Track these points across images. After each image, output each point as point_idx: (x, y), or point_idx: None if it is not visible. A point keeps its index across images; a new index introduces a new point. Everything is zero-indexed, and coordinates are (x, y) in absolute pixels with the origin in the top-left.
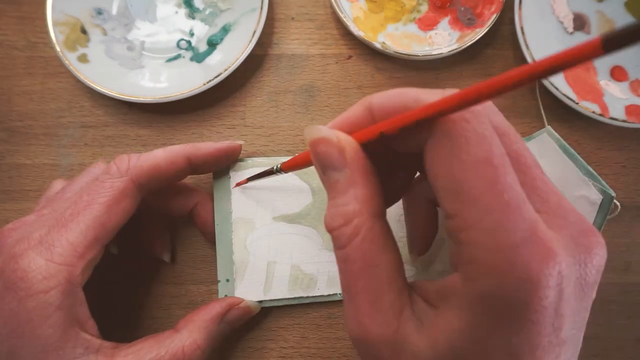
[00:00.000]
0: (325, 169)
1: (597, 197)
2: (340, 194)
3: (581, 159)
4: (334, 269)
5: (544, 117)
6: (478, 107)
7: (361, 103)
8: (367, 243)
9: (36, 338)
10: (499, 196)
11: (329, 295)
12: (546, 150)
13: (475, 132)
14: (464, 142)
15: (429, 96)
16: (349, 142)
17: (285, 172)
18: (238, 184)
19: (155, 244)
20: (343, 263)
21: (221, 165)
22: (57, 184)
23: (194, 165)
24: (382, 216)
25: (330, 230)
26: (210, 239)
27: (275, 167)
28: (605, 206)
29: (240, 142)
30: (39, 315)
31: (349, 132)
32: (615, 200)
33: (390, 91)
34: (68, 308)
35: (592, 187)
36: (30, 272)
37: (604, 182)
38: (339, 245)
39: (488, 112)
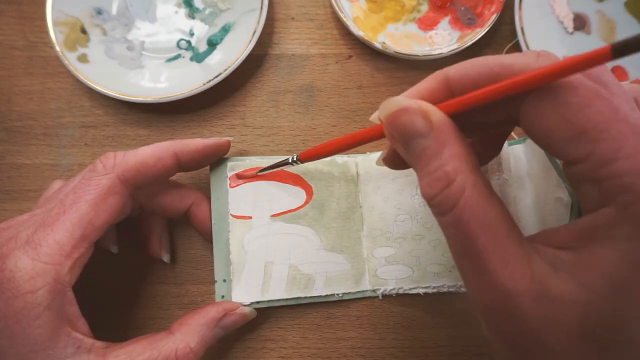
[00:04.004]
0: (410, 139)
1: (568, 200)
2: (433, 158)
3: (557, 161)
4: (332, 269)
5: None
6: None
7: (435, 76)
8: (477, 198)
9: (25, 338)
10: (626, 122)
11: (326, 295)
12: (536, 152)
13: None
14: (567, 87)
15: (512, 60)
16: (430, 107)
17: (302, 163)
18: (246, 174)
19: (155, 244)
20: (454, 227)
21: (210, 162)
22: (56, 184)
23: (182, 162)
24: (480, 171)
25: (430, 198)
26: (207, 238)
27: (291, 158)
28: (576, 208)
29: (229, 138)
30: (27, 316)
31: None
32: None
33: (467, 62)
34: (57, 307)
35: (565, 189)
36: (17, 272)
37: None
38: (445, 210)
39: None
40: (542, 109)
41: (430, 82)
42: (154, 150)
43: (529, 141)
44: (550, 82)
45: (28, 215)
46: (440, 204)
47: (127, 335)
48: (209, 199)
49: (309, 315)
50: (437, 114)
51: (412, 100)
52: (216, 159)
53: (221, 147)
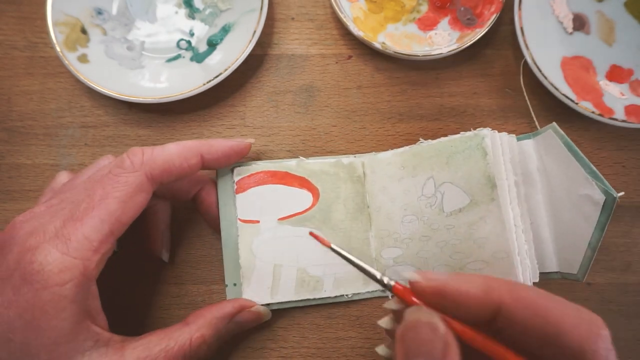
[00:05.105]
0: (418, 356)
1: (600, 198)
2: None
3: (585, 158)
4: (340, 270)
5: (534, 117)
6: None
7: (484, 285)
8: None
9: (49, 330)
10: None
11: (335, 296)
12: (551, 148)
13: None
14: None
15: (572, 324)
16: (452, 340)
17: (392, 296)
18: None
19: (155, 244)
20: None
21: (231, 163)
22: (62, 176)
23: (206, 162)
24: None
25: None
26: (213, 224)
27: (385, 281)
28: (608, 206)
29: (252, 140)
30: (53, 308)
31: (453, 304)
32: (617, 196)
33: (528, 294)
34: (81, 301)
35: (596, 187)
36: (47, 265)
37: (607, 182)
38: None
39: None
40: None
41: (475, 287)
42: (181, 150)
43: (540, 137)
44: None
45: (45, 207)
46: None
47: (127, 335)
48: (215, 183)
49: (309, 315)
50: (453, 354)
51: (440, 323)
52: (238, 160)
53: (244, 149)
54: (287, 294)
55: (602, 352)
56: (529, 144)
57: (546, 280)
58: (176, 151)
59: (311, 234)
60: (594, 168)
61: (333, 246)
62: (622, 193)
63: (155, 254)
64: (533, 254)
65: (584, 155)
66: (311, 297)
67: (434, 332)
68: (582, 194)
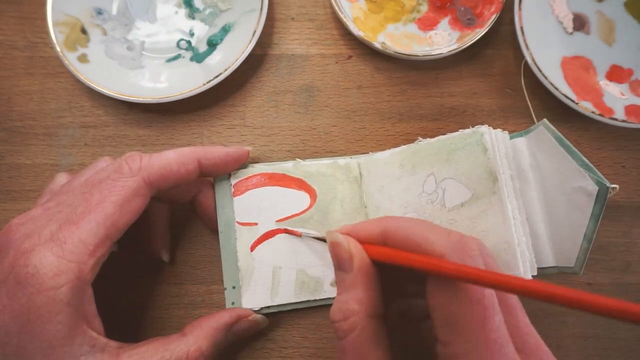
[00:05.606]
0: (337, 268)
1: (594, 188)
2: (344, 291)
3: (577, 151)
4: None
5: (534, 117)
6: (475, 250)
7: (378, 223)
8: (361, 340)
9: (44, 334)
10: (487, 334)
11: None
12: (543, 143)
13: None
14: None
15: (435, 239)
16: (358, 250)
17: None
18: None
19: (155, 244)
20: (339, 352)
21: (229, 170)
22: (61, 177)
23: (204, 169)
24: (378, 317)
25: (331, 321)
26: (211, 227)
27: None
28: (602, 197)
29: (249, 147)
30: (48, 312)
31: (361, 242)
32: (610, 186)
33: (406, 222)
34: (77, 305)
35: (589, 178)
36: (42, 268)
37: (599, 173)
38: (338, 337)
39: (482, 254)
40: (438, 289)
41: (373, 227)
42: (178, 156)
43: (532, 134)
44: (451, 279)
45: (41, 210)
46: (336, 330)
47: (127, 335)
48: (213, 186)
49: (309, 315)
50: (358, 259)
51: (345, 240)
52: (235, 167)
53: (241, 156)
54: (287, 296)
55: (458, 255)
56: (521, 142)
57: (544, 276)
58: (174, 157)
59: (285, 230)
60: (586, 160)
61: (303, 232)
62: (616, 186)
63: (155, 254)
64: (530, 246)
65: (575, 148)
66: (311, 298)
67: (339, 247)
68: (575, 187)
